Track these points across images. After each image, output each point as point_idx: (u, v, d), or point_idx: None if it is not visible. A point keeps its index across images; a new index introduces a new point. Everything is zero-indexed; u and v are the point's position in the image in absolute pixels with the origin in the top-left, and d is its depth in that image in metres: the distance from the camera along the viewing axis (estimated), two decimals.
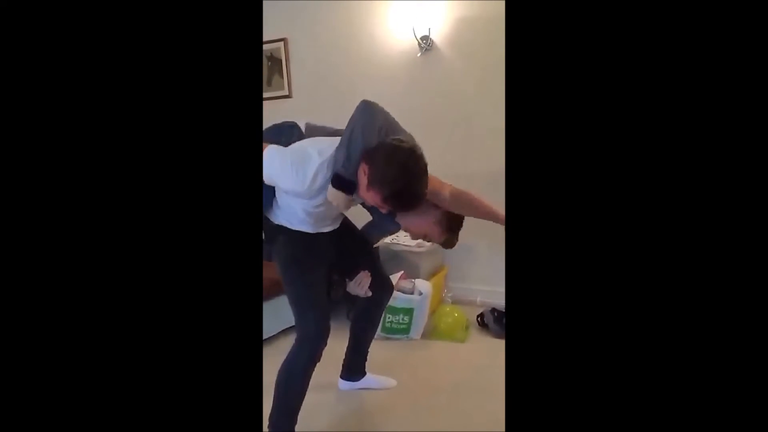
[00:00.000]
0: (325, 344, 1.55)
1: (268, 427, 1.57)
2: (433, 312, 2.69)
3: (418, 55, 3.02)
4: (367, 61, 3.15)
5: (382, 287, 1.91)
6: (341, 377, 2.08)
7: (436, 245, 2.86)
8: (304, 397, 1.58)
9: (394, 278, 2.63)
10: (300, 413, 1.58)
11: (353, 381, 2.07)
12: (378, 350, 2.20)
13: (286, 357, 1.57)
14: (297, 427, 1.59)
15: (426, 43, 2.96)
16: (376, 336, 2.10)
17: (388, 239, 2.90)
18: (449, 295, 2.97)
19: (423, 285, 2.61)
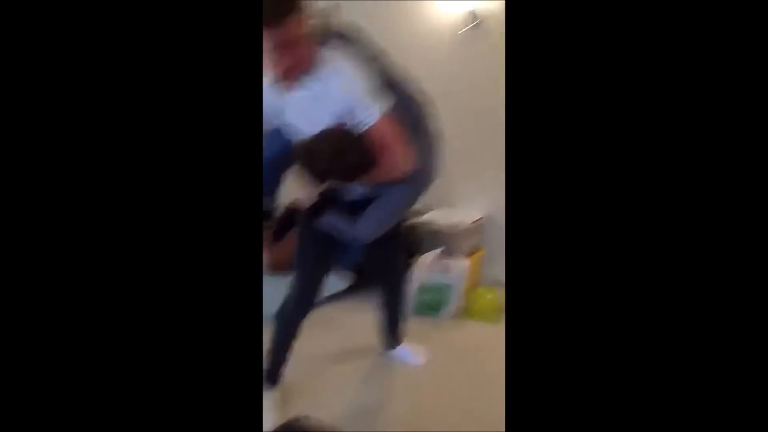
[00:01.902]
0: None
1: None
2: (468, 292, 2.70)
3: (460, 32, 2.95)
4: (413, 34, 3.11)
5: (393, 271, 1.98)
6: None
7: (475, 224, 2.88)
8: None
9: (431, 255, 2.65)
10: (320, 386, 1.67)
11: (388, 350, 2.18)
12: (410, 326, 2.24)
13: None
14: (314, 408, 1.68)
15: (472, 20, 2.89)
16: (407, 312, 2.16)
17: (425, 217, 2.91)
18: (488, 275, 2.96)
19: (459, 264, 2.62)
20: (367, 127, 1.36)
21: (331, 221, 1.54)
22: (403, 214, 1.70)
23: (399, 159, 1.40)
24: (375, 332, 2.18)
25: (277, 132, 1.53)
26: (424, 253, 2.74)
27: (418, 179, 1.53)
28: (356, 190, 1.56)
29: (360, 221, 1.52)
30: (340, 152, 1.33)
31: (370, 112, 1.35)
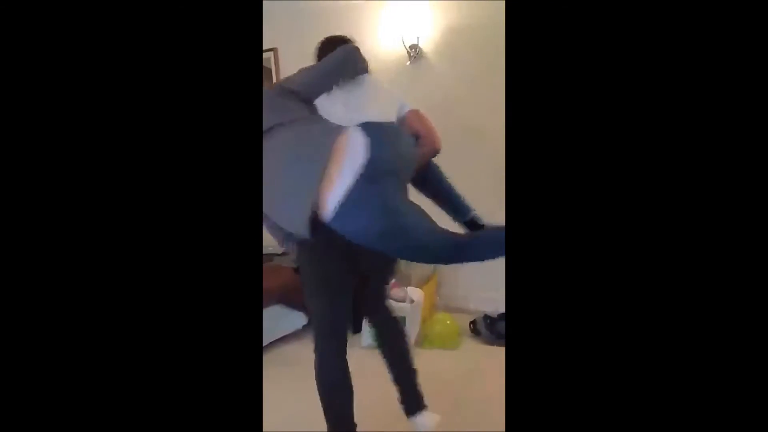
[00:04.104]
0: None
1: None
2: (425, 320, 2.68)
3: (407, 63, 3.03)
4: None
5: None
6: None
7: None
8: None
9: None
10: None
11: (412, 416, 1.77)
12: (369, 358, 2.18)
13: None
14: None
15: (415, 52, 2.98)
16: (366, 345, 2.05)
17: None
18: (441, 302, 2.96)
19: (414, 293, 2.60)
20: (405, 114, 1.57)
21: None
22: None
23: (436, 134, 1.55)
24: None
25: None
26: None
27: None
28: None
29: None
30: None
31: (403, 105, 1.59)
